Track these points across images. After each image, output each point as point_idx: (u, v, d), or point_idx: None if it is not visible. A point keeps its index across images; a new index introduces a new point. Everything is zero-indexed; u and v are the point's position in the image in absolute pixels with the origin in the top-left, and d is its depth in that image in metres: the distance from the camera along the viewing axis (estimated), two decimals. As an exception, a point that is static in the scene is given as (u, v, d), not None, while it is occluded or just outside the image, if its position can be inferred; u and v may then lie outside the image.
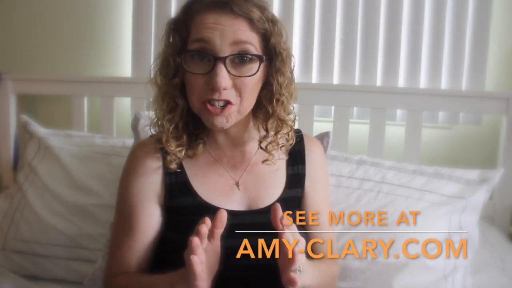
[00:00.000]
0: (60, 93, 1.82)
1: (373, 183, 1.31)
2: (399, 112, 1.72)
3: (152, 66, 0.99)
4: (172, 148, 0.95)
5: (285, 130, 0.98)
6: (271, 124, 0.96)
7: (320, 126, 1.65)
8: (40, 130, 1.58)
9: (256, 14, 0.88)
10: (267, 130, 0.96)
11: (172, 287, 0.82)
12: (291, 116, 0.98)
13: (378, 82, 1.74)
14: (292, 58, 0.97)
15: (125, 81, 1.81)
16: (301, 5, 1.73)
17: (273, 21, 0.92)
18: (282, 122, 0.96)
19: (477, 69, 1.70)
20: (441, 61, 1.70)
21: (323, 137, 1.33)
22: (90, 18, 1.88)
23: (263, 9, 0.91)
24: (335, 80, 1.75)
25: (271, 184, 1.01)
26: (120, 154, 1.45)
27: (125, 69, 1.87)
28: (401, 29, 1.70)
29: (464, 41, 1.69)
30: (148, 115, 1.34)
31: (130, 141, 1.47)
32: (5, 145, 1.81)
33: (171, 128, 0.94)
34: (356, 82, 1.74)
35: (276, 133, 0.97)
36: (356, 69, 1.74)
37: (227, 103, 0.89)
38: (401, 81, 1.74)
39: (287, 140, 1.01)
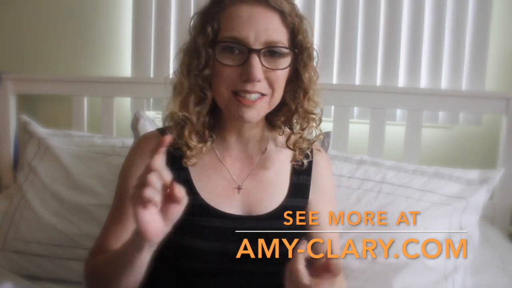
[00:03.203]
0: (60, 93, 1.82)
1: (373, 183, 1.31)
2: (399, 112, 1.72)
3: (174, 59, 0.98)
4: (194, 143, 0.93)
5: (312, 124, 0.98)
6: (295, 120, 0.97)
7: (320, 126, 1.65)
8: (40, 130, 1.58)
9: (287, 8, 0.89)
10: (291, 128, 0.97)
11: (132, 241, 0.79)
12: (318, 110, 0.98)
13: (378, 82, 1.74)
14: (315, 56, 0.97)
15: (125, 81, 1.81)
16: (301, 4, 1.73)
17: (300, 17, 0.92)
18: (309, 116, 0.97)
19: (477, 69, 1.70)
20: (441, 61, 1.70)
21: (323, 137, 1.33)
22: (90, 18, 1.88)
23: (292, 4, 0.91)
24: (335, 80, 1.75)
25: (274, 190, 0.99)
26: (120, 154, 1.45)
27: (125, 69, 1.87)
28: (401, 29, 1.70)
29: (464, 41, 1.69)
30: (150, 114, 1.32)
31: (130, 141, 1.46)
32: (5, 145, 1.81)
33: (198, 121, 0.93)
34: (356, 82, 1.74)
35: (303, 129, 0.97)
36: (356, 69, 1.74)
37: (260, 95, 0.89)
38: (401, 81, 1.74)
39: (316, 136, 1.01)
